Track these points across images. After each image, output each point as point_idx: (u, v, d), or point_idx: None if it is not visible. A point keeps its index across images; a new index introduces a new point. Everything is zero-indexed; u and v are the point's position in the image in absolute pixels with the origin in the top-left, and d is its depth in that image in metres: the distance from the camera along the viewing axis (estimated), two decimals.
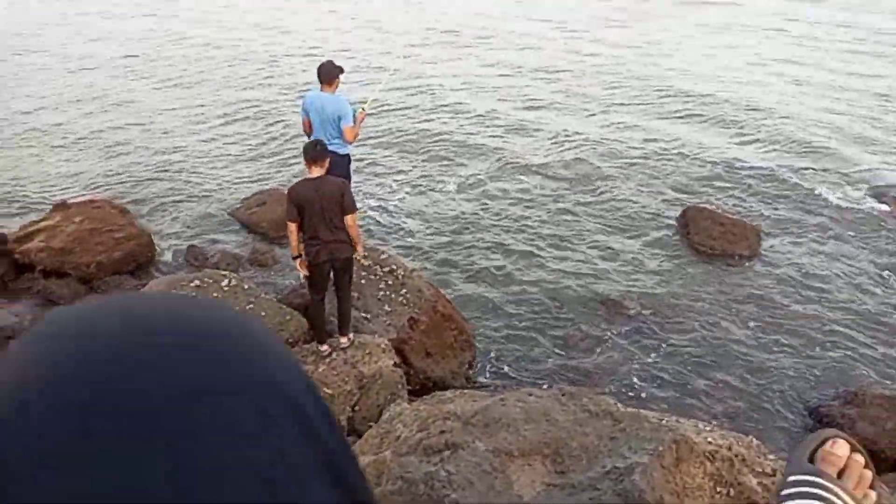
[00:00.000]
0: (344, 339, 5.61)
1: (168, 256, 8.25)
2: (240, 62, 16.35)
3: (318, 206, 5.00)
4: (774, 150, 11.56)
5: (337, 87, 6.34)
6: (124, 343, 0.35)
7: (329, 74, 6.23)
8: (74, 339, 0.36)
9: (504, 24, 20.62)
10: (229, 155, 11.08)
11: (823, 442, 0.91)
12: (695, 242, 8.63)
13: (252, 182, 10.10)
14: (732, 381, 6.28)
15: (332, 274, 5.34)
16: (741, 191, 10.11)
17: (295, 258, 5.37)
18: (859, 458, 0.89)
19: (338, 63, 6.41)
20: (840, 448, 0.88)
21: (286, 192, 5.29)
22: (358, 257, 5.42)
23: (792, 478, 0.88)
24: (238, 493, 0.32)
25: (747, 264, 8.28)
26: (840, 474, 0.88)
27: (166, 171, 10.47)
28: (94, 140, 11.54)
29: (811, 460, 0.90)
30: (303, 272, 5.36)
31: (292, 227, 5.16)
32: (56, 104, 13.32)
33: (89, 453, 0.30)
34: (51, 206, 8.59)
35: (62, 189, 9.82)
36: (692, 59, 16.94)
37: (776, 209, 9.59)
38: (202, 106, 13.26)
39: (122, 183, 10.08)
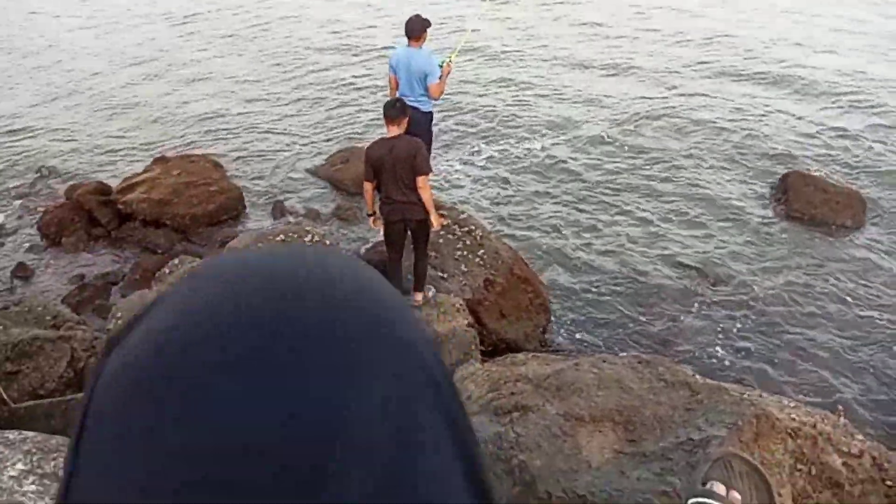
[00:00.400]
0: (419, 296, 5.68)
1: (257, 210, 8.58)
2: (311, 26, 16.49)
3: (390, 166, 4.99)
4: (883, 117, 10.63)
5: (424, 41, 6.23)
6: (272, 294, 0.37)
7: (416, 29, 6.13)
8: (230, 284, 0.38)
9: None
10: (314, 114, 11.29)
11: (717, 459, 0.97)
12: (794, 210, 8.12)
13: (337, 140, 10.27)
14: (824, 357, 5.95)
15: (408, 233, 5.38)
16: (847, 158, 9.39)
17: (369, 216, 5.44)
18: (736, 497, 0.96)
19: (424, 16, 6.30)
20: (719, 488, 0.96)
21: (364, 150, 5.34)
22: (434, 226, 5.35)
23: (692, 499, 0.96)
24: (364, 433, 0.33)
25: (850, 235, 7.74)
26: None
27: (255, 129, 10.80)
28: (186, 106, 12.04)
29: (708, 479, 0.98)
30: (377, 229, 5.44)
31: (367, 186, 5.20)
32: (147, 73, 13.93)
33: (236, 390, 0.32)
34: (151, 160, 9.08)
35: (162, 144, 10.33)
36: (781, 25, 15.71)
37: (884, 179, 8.87)
38: (283, 71, 13.52)
39: (216, 140, 10.50)
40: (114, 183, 8.65)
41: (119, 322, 5.63)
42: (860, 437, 4.34)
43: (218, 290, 0.38)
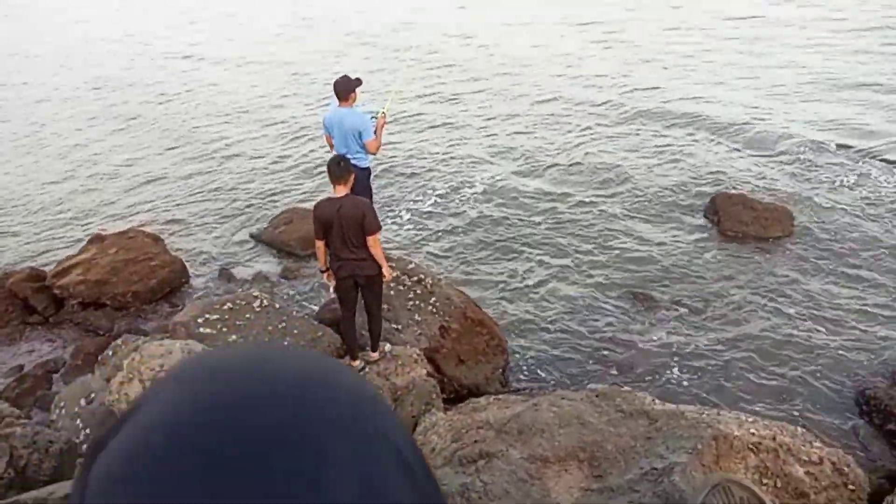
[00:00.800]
0: (374, 354, 5.63)
1: (201, 280, 8.39)
2: (257, 82, 16.58)
3: (338, 226, 5.01)
4: (801, 129, 11.29)
5: (354, 101, 6.33)
6: (247, 400, 0.41)
7: (345, 89, 6.23)
8: (205, 390, 0.42)
9: (511, 37, 20.56)
10: (252, 175, 11.23)
11: (715, 486, 0.98)
12: (726, 229, 8.46)
13: (277, 200, 10.22)
14: (774, 369, 6.12)
15: (359, 290, 5.36)
16: (769, 174, 9.89)
17: (323, 271, 5.41)
18: None
19: (354, 77, 6.40)
20: None
21: (312, 208, 5.32)
22: (386, 277, 5.36)
23: None
24: None
25: (782, 248, 8.08)
26: None
27: (192, 195, 10.66)
28: (123, 169, 11.82)
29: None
30: (331, 284, 5.40)
31: (319, 244, 5.21)
32: (77, 127, 13.66)
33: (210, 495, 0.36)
34: (87, 240, 8.81)
35: (97, 220, 10.06)
36: (702, 66, 16.67)
37: (808, 190, 9.35)
38: (222, 128, 13.48)
39: (150, 207, 10.29)
40: (48, 267, 8.35)
41: (62, 411, 5.36)
42: (818, 444, 4.45)
43: (193, 397, 0.41)
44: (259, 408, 0.40)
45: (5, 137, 14.07)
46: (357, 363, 5.60)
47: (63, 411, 5.39)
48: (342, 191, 5.07)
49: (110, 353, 6.16)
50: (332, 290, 5.61)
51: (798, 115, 11.85)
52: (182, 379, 0.44)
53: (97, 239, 8.70)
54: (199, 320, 6.17)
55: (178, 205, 10.41)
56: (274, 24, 23.91)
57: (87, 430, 5.11)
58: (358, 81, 6.34)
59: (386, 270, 5.26)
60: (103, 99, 16.47)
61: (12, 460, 3.79)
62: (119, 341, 6.30)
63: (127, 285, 7.76)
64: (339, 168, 5.08)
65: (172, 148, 12.77)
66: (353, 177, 5.17)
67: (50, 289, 7.82)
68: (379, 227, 5.20)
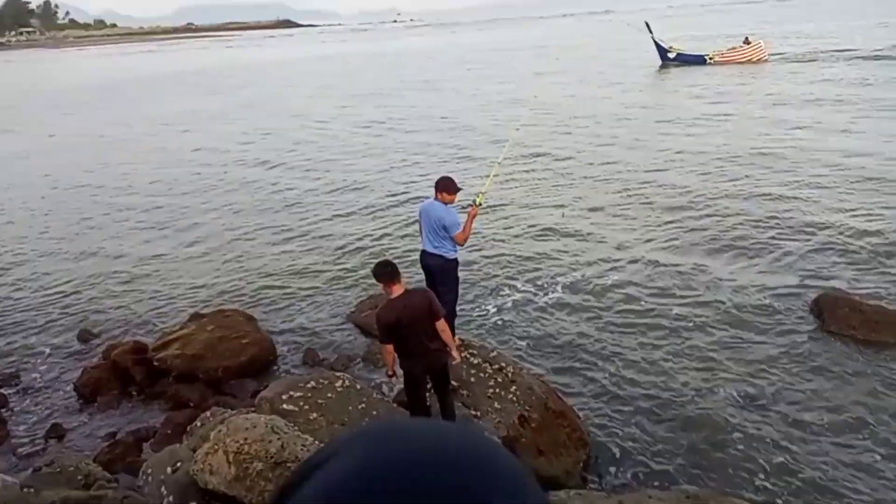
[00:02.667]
0: None
1: (288, 358, 8.63)
2: (347, 161, 17.51)
3: (410, 322, 5.10)
4: None
5: (449, 202, 6.51)
6: (430, 464, 0.49)
7: (442, 185, 6.50)
8: (394, 442, 0.50)
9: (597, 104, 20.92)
10: (344, 260, 11.66)
11: None
12: (832, 331, 7.93)
13: (366, 286, 10.51)
14: (883, 487, 5.51)
15: (431, 379, 5.36)
16: (878, 271, 9.29)
17: (390, 376, 5.47)
18: None
19: (457, 182, 6.58)
20: None
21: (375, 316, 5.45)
22: (454, 361, 5.38)
23: None
24: None
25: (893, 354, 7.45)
26: None
27: (285, 276, 11.14)
28: (224, 251, 12.58)
29: None
30: (399, 384, 5.43)
31: (388, 348, 5.29)
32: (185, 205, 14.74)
33: None
34: (188, 314, 9.33)
35: (197, 299, 10.66)
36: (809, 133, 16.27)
37: None
38: (310, 212, 14.19)
39: (241, 289, 10.81)
40: (150, 341, 8.85)
41: (149, 478, 5.52)
42: None
43: (383, 454, 0.48)
44: (440, 471, 0.48)
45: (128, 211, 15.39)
46: None
47: (150, 478, 5.55)
48: (399, 289, 5.20)
49: (198, 424, 6.36)
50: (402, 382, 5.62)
51: None
52: (371, 436, 0.51)
53: (197, 316, 9.21)
54: (284, 397, 6.30)
55: (267, 286, 10.87)
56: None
57: (171, 498, 5.21)
58: (458, 189, 6.55)
59: (456, 353, 5.27)
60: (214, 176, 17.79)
61: None
62: (207, 413, 6.51)
63: (219, 360, 8.09)
64: (388, 270, 5.26)
65: (272, 226, 13.52)
66: (400, 275, 5.29)
67: (150, 360, 8.25)
68: (443, 312, 5.31)
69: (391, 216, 13.68)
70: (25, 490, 4.16)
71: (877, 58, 30.10)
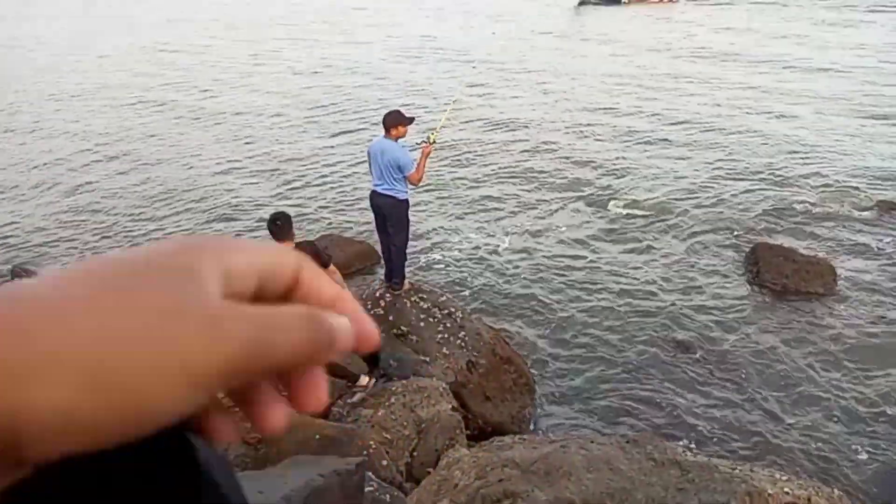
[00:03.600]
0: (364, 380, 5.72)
1: None
2: (295, 104, 16.97)
3: None
4: (847, 182, 11.09)
5: (400, 136, 6.26)
6: None
7: (391, 121, 6.21)
8: None
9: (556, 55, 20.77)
10: (289, 201, 11.42)
11: None
12: (765, 280, 8.29)
13: (315, 228, 10.36)
14: (812, 428, 5.92)
15: None
16: (813, 225, 9.70)
17: None
18: None
19: (407, 114, 6.29)
20: None
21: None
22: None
23: None
24: None
25: (823, 303, 7.88)
26: None
27: (227, 219, 10.87)
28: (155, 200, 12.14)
29: None
30: None
31: None
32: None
33: None
34: None
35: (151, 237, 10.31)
36: (747, 93, 16.59)
37: (852, 245, 9.14)
38: (254, 148, 13.78)
39: (174, 225, 10.51)
40: None
41: None
42: None
43: None
44: None
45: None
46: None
47: None
48: (289, 245, 5.09)
49: None
50: None
51: (847, 165, 11.64)
52: None
53: None
54: None
55: (207, 221, 10.60)
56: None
57: None
58: (410, 120, 6.28)
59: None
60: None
61: None
62: None
63: None
64: (276, 227, 5.15)
65: (198, 163, 13.08)
66: (293, 233, 5.28)
67: None
68: (330, 259, 5.47)
69: (337, 156, 13.39)
70: None
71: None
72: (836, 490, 4.47)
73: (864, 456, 5.62)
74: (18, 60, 25.14)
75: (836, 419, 6.01)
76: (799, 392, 6.36)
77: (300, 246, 5.33)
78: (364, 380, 5.64)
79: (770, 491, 3.46)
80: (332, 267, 5.46)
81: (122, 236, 10.43)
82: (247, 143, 14.53)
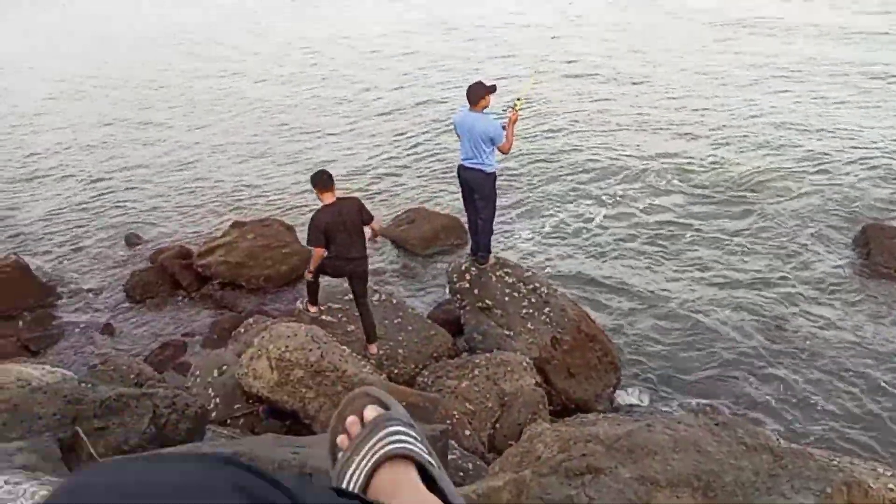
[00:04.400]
0: (373, 348, 6.02)
1: None
2: (384, 84, 17.18)
3: (342, 228, 5.50)
4: None
5: (485, 107, 6.28)
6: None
7: (476, 94, 6.20)
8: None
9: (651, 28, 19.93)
10: (379, 176, 11.65)
11: None
12: (876, 263, 7.75)
13: (401, 201, 10.55)
14: None
15: (350, 283, 5.88)
16: None
17: (310, 272, 5.90)
18: None
19: (488, 83, 6.30)
20: None
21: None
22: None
23: None
24: None
25: None
26: None
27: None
28: (264, 159, 12.67)
29: None
30: (309, 277, 6.00)
31: (318, 251, 5.63)
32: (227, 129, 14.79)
33: None
34: (229, 224, 9.55)
35: (237, 207, 10.85)
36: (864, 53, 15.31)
37: None
38: (350, 128, 14.09)
39: (278, 201, 10.94)
40: (194, 247, 9.13)
41: (197, 380, 5.84)
42: None
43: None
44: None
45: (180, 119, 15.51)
46: (313, 310, 6.25)
47: (198, 379, 5.87)
48: (331, 198, 5.53)
49: (242, 330, 6.64)
50: (307, 276, 6.06)
51: None
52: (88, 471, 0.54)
53: (238, 225, 9.40)
54: (322, 308, 6.50)
55: (299, 195, 10.97)
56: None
57: (217, 399, 5.53)
58: (492, 88, 6.29)
59: (377, 227, 5.94)
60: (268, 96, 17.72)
61: (154, 417, 4.17)
62: (251, 320, 6.78)
63: (261, 269, 8.33)
64: (323, 178, 5.56)
65: (295, 142, 13.51)
66: (334, 187, 5.63)
67: (195, 267, 8.54)
68: (372, 216, 5.77)
69: (422, 133, 13.48)
70: (83, 384, 4.45)
71: None
72: None
73: None
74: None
75: None
76: None
77: (343, 200, 5.67)
78: (374, 348, 6.03)
79: (872, 485, 3.29)
80: (374, 223, 5.83)
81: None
82: (338, 118, 14.89)
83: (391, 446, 0.86)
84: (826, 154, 10.74)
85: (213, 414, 5.39)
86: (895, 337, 6.57)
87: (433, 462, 0.89)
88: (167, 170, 12.76)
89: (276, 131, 14.42)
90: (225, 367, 5.84)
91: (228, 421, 5.36)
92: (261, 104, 16.50)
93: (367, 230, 5.77)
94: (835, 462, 3.60)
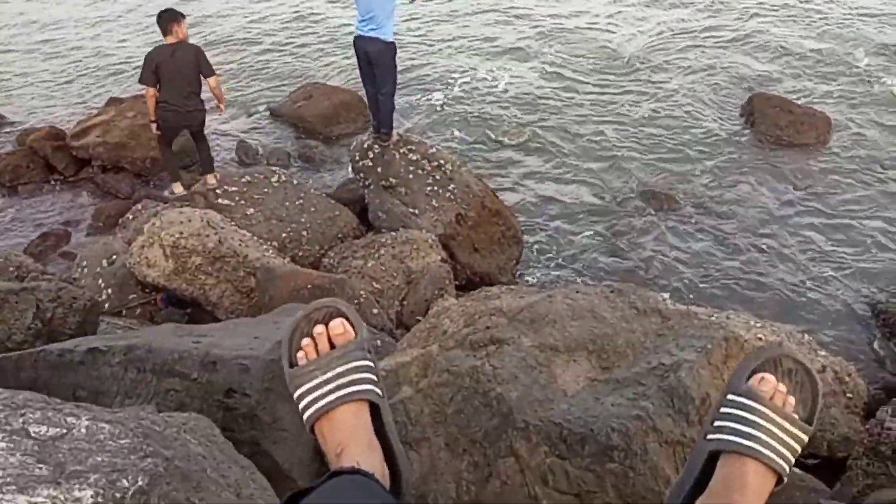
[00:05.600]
0: (211, 178, 6.10)
1: (219, 153, 8.32)
2: None
3: (173, 71, 5.32)
4: (849, 39, 10.61)
5: None
6: None
7: None
8: None
9: None
10: (272, 51, 10.87)
11: (767, 361, 0.94)
12: (760, 132, 8.18)
13: (297, 76, 9.94)
14: (789, 277, 6.11)
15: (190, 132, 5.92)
16: (812, 79, 9.41)
17: (152, 122, 5.80)
18: (782, 388, 0.93)
19: None
20: (766, 384, 0.93)
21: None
22: (222, 110, 6.09)
23: (729, 396, 0.94)
24: None
25: (815, 155, 7.83)
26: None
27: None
28: (138, 37, 11.46)
29: (753, 375, 0.94)
30: (154, 130, 5.93)
31: (149, 91, 5.51)
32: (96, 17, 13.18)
33: None
34: (105, 102, 8.70)
35: (113, 83, 9.88)
36: None
37: (850, 99, 8.92)
38: (236, 4, 12.91)
39: None
40: (67, 127, 8.30)
41: (84, 270, 5.49)
42: (823, 352, 4.52)
43: None
44: None
45: None
46: (178, 188, 6.16)
47: (85, 270, 5.53)
48: (173, 39, 5.39)
49: (130, 217, 6.24)
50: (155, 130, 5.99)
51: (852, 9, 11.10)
52: None
53: (115, 101, 8.59)
54: (218, 191, 6.18)
55: None
56: None
57: (109, 290, 5.26)
58: None
59: (223, 106, 5.95)
60: None
61: (38, 312, 3.92)
62: (139, 206, 6.36)
63: (146, 150, 7.72)
64: (170, 18, 5.42)
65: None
66: (184, 25, 5.48)
67: (70, 149, 7.81)
68: (214, 72, 5.61)
69: (316, 8, 12.55)
70: None
71: None
72: (805, 335, 4.71)
73: (833, 303, 5.85)
74: None
75: (809, 270, 6.19)
76: (778, 244, 6.49)
77: (183, 44, 5.46)
78: (211, 178, 6.11)
79: (745, 336, 3.62)
80: (213, 80, 5.64)
81: None
82: None
83: (356, 387, 0.93)
84: (714, 29, 10.93)
85: (106, 305, 5.14)
86: (774, 200, 7.08)
87: (382, 395, 0.96)
88: (31, 42, 11.30)
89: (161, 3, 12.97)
90: (115, 257, 5.52)
91: (123, 311, 5.14)
92: None
93: (208, 84, 5.57)
94: (714, 318, 3.93)
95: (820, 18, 11.06)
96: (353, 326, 0.99)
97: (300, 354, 0.96)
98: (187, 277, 5.03)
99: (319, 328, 0.97)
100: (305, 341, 0.97)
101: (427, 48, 10.42)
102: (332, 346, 0.96)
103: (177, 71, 5.34)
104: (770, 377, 0.93)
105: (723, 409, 0.94)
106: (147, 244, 5.16)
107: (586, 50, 10.28)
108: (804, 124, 8.15)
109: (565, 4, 11.88)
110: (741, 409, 0.91)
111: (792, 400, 0.93)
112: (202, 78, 5.60)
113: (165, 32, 5.45)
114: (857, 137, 8.09)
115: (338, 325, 0.97)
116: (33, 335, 3.93)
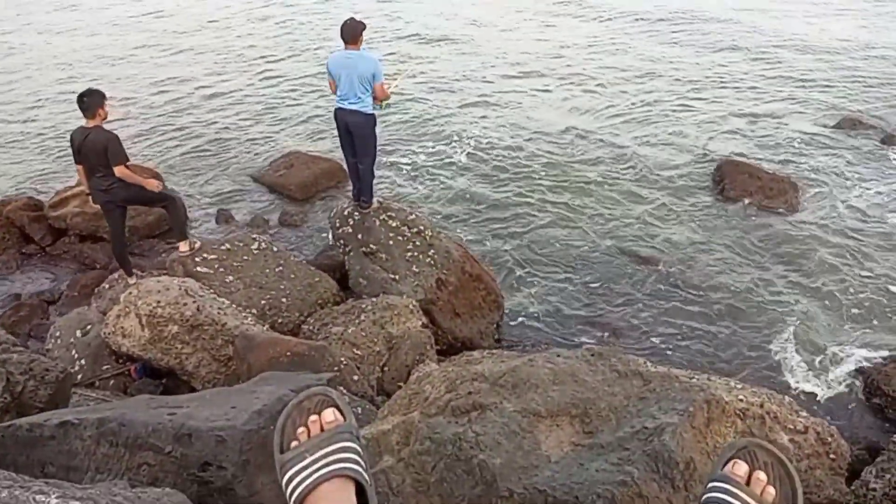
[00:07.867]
0: (183, 246, 6.12)
1: (200, 219, 8.34)
2: (257, 33, 16.21)
3: (86, 155, 5.50)
4: (813, 104, 11.12)
5: (362, 44, 6.11)
6: None
7: (354, 31, 5.97)
8: None
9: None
10: (255, 121, 11.07)
11: (740, 451, 0.99)
12: (730, 197, 8.41)
13: (278, 146, 10.10)
14: (768, 339, 6.17)
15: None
16: (778, 144, 9.77)
17: (88, 194, 5.94)
18: (762, 477, 0.97)
19: (358, 19, 6.13)
20: (739, 468, 0.98)
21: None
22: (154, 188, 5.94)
23: (709, 485, 0.99)
24: None
25: (786, 219, 8.05)
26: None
27: (197, 137, 10.51)
28: (123, 109, 11.62)
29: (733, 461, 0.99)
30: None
31: (79, 168, 5.70)
32: (79, 74, 13.41)
33: None
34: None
35: None
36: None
37: (817, 164, 9.26)
38: (222, 75, 13.23)
39: (153, 148, 10.17)
40: (45, 198, 8.28)
41: (58, 341, 5.38)
42: (804, 413, 4.52)
43: None
44: None
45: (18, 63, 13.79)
46: (133, 280, 6.04)
47: (59, 341, 5.42)
48: (91, 123, 5.52)
49: (106, 286, 6.17)
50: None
51: (807, 94, 11.66)
52: None
53: None
54: (197, 259, 6.15)
55: (179, 145, 10.28)
56: None
57: (83, 361, 5.15)
58: (363, 24, 6.09)
59: (150, 185, 5.85)
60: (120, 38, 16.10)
61: (9, 385, 3.80)
62: (115, 276, 6.30)
63: None
64: (90, 101, 5.48)
65: (171, 91, 12.54)
66: (107, 107, 5.62)
67: (47, 219, 7.77)
68: (126, 159, 5.67)
69: (299, 78, 12.91)
70: None
71: None
72: (786, 397, 4.71)
73: (813, 364, 5.90)
74: None
75: (787, 331, 6.25)
76: (756, 306, 6.58)
77: (98, 129, 5.51)
78: (184, 248, 6.12)
79: (726, 399, 3.62)
80: (119, 169, 5.61)
81: None
82: (209, 65, 13.90)
83: (342, 465, 0.97)
84: (684, 97, 11.40)
85: (80, 376, 5.02)
86: (747, 264, 7.21)
87: (369, 481, 1.00)
88: (6, 113, 11.40)
89: (147, 85, 13.24)
90: (89, 327, 5.43)
91: (97, 383, 5.02)
92: (132, 55, 15.05)
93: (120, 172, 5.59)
94: (695, 381, 3.93)
95: (784, 85, 11.60)
96: (342, 415, 1.03)
97: (294, 444, 1.00)
98: (163, 347, 4.95)
99: (313, 417, 1.02)
100: (300, 430, 1.01)
101: (406, 120, 10.69)
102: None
103: (89, 153, 5.51)
104: (742, 463, 0.97)
105: (703, 498, 0.98)
106: (123, 313, 5.09)
107: (557, 118, 10.61)
108: (773, 189, 8.41)
109: (536, 72, 12.33)
110: (719, 493, 0.96)
111: (772, 490, 0.96)
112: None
113: (86, 114, 5.53)
114: (827, 202, 8.35)
115: (329, 413, 1.02)
116: (2, 409, 3.80)
